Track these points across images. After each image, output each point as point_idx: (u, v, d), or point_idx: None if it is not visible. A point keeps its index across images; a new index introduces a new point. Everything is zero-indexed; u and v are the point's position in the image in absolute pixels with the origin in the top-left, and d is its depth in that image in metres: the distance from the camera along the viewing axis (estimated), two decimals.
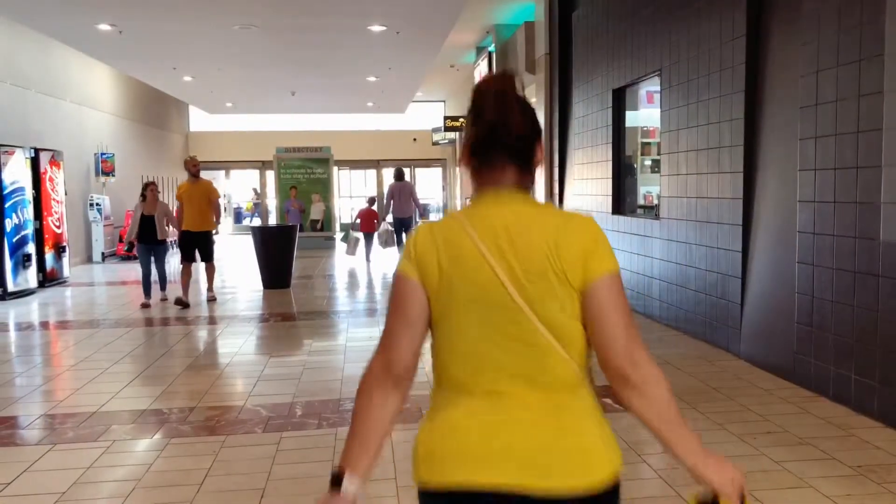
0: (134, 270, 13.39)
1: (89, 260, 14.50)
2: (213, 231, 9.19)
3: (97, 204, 14.44)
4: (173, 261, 11.32)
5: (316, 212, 17.55)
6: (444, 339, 1.42)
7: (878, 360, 4.23)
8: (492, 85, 1.48)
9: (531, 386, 1.37)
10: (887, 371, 4.16)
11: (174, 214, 9.30)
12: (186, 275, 8.93)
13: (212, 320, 8.05)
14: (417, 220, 13.14)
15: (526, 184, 1.45)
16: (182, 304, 8.70)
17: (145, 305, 8.79)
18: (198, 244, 9.01)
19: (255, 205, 26.09)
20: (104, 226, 14.71)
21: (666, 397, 1.40)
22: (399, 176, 13.56)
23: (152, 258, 8.91)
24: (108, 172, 15.28)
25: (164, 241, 8.90)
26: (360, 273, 13.04)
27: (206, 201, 8.96)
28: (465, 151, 1.48)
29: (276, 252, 10.47)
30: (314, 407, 4.73)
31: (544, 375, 1.38)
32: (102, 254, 14.74)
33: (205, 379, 5.55)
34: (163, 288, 9.13)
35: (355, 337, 7.01)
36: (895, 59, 4.06)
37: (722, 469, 1.39)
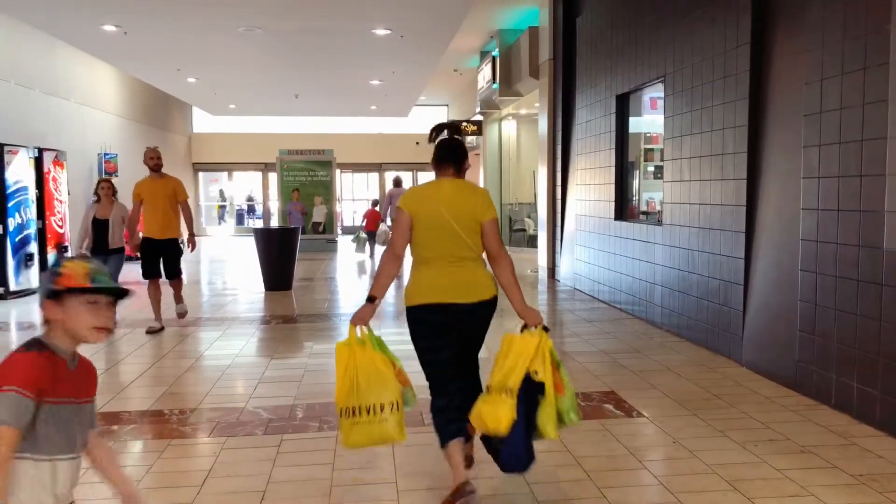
0: (135, 270, 13.42)
1: None
2: (181, 241, 7.67)
3: None
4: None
5: (318, 214, 17.57)
6: (419, 240, 3.19)
7: (880, 369, 4.23)
8: (452, 133, 3.48)
9: (458, 260, 3.16)
10: (889, 380, 4.15)
11: (132, 218, 7.55)
12: (154, 292, 7.41)
13: (213, 322, 8.05)
14: None
15: (459, 175, 3.32)
16: (154, 331, 7.26)
17: None
18: (162, 255, 7.40)
19: (222, 207, 25.91)
20: None
21: (510, 269, 3.17)
22: (397, 183, 15.70)
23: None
24: (112, 173, 15.30)
25: (119, 250, 7.47)
26: (361, 276, 13.06)
27: (171, 203, 7.40)
28: (434, 160, 3.36)
29: (277, 254, 10.48)
30: (315, 409, 4.72)
31: (463, 255, 3.16)
32: None
33: (205, 381, 5.54)
34: None
35: None
36: None
37: (532, 314, 3.09)
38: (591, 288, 9.51)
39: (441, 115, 23.42)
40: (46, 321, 1.88)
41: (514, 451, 2.95)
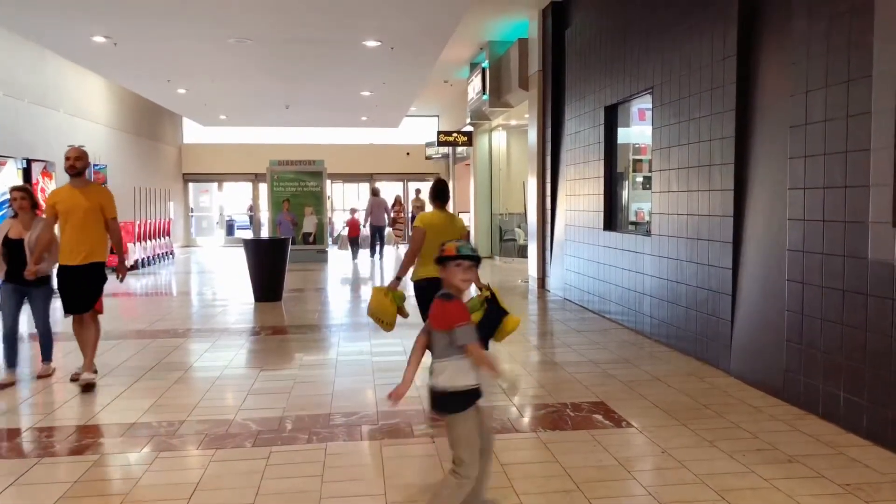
0: (125, 282, 13.35)
1: None
2: (109, 266, 5.95)
3: None
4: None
5: (308, 225, 17.56)
6: (428, 243, 5.00)
7: (866, 379, 4.26)
8: (440, 181, 5.49)
9: None
10: (876, 389, 4.19)
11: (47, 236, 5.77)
12: (82, 330, 5.82)
13: (202, 333, 8.02)
14: (388, 225, 18.60)
15: (445, 207, 5.34)
16: (84, 381, 5.61)
17: (4, 385, 5.62)
18: (80, 285, 5.68)
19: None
20: None
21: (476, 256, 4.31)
22: (374, 193, 18.07)
23: (23, 306, 5.92)
24: (101, 184, 15.25)
25: (44, 280, 5.87)
26: (351, 286, 13.05)
27: (94, 219, 5.67)
28: (431, 197, 5.39)
29: (268, 265, 10.46)
30: (304, 421, 4.71)
31: None
32: None
33: (195, 392, 5.52)
34: (46, 356, 6.04)
35: (346, 351, 7.00)
36: (883, 79, 4.11)
37: (479, 282, 4.35)
38: (581, 298, 9.54)
39: (432, 126, 23.48)
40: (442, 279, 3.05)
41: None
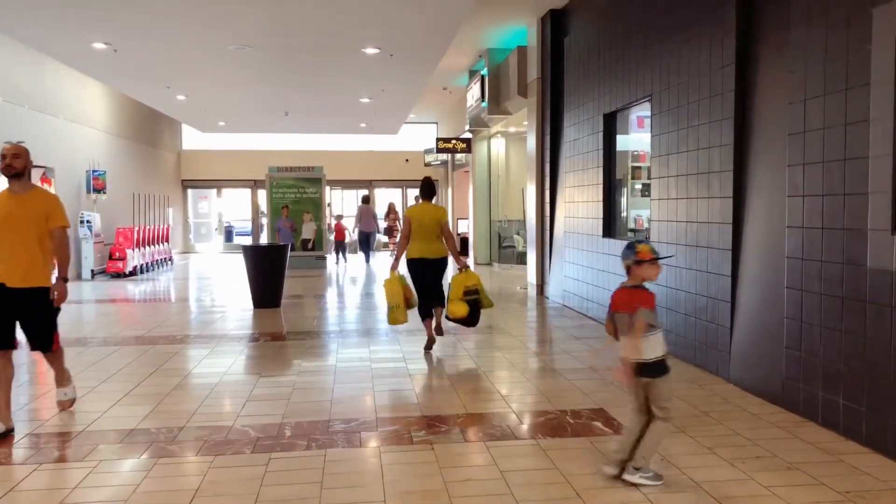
0: (123, 288, 13.35)
1: (79, 277, 14.43)
2: (52, 290, 4.71)
3: (88, 221, 14.41)
4: None
5: (307, 231, 17.57)
6: (414, 230, 7.00)
7: (865, 386, 4.26)
8: (429, 179, 7.28)
9: (428, 239, 7.00)
10: (875, 396, 4.19)
11: None
12: (2, 371, 4.65)
13: (201, 340, 8.01)
14: (378, 232, 20.20)
15: (432, 200, 7.20)
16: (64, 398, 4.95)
17: None
18: (21, 313, 4.70)
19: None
20: (94, 243, 14.69)
21: (453, 242, 7.16)
22: (365, 200, 19.20)
23: None
24: (100, 189, 15.26)
25: None
26: (350, 293, 13.04)
27: (36, 231, 4.65)
28: (420, 193, 7.31)
29: (266, 271, 10.46)
30: (303, 428, 4.71)
31: (431, 237, 7.01)
32: (92, 271, 14.69)
33: (193, 398, 5.51)
34: None
35: (345, 357, 6.99)
36: (881, 87, 4.13)
37: (462, 262, 7.16)
38: (580, 305, 9.54)
39: (431, 133, 23.52)
40: (629, 273, 3.76)
41: (472, 321, 7.04)
